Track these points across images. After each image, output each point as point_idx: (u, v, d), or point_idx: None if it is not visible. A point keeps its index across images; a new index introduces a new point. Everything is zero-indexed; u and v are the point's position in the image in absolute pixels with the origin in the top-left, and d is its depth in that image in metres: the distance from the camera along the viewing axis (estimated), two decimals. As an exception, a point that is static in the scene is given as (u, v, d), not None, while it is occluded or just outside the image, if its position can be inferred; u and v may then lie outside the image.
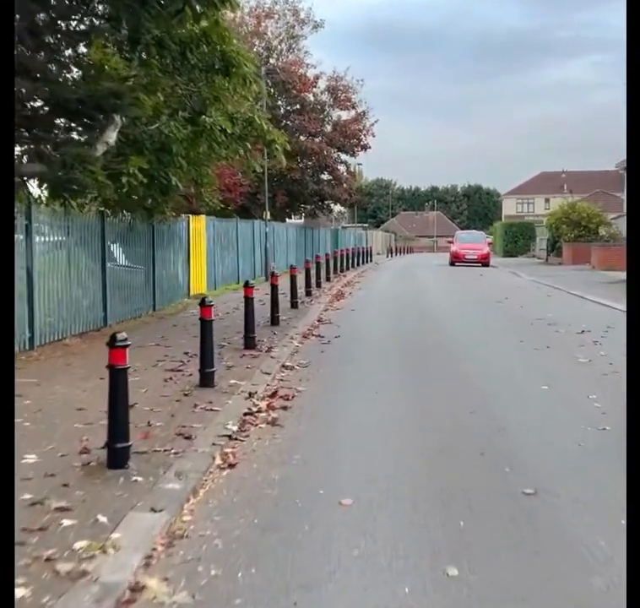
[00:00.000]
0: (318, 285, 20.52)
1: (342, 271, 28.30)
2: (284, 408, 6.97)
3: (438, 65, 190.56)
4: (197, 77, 12.47)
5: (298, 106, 34.03)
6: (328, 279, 23.15)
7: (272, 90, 33.97)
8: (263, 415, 6.73)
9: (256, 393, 7.43)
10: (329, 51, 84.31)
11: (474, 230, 49.43)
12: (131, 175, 10.63)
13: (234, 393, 7.38)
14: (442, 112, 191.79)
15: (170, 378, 8.07)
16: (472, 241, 37.29)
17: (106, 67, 10.30)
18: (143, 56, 11.30)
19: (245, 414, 6.65)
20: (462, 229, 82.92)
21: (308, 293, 17.95)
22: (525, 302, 16.42)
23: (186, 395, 7.29)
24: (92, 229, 11.81)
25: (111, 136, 11.05)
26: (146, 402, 6.97)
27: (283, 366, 9.13)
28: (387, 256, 58.88)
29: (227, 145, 12.45)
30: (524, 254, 51.97)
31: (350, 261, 32.75)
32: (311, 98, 34.34)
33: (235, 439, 5.91)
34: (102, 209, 12.17)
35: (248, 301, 10.23)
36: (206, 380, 7.67)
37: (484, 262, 35.70)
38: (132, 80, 10.54)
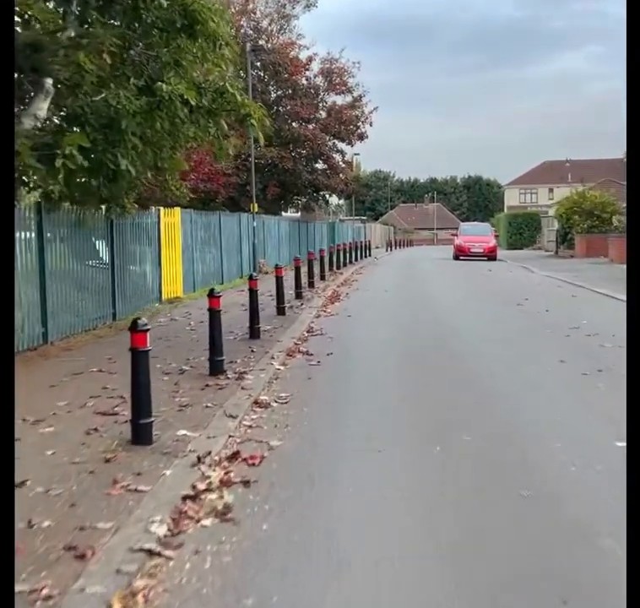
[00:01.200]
0: (311, 284, 18.31)
1: (338, 268, 26.06)
2: (246, 483, 4.78)
3: (434, 57, 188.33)
4: (156, 39, 10.30)
5: (290, 91, 31.73)
6: (322, 278, 20.91)
7: (262, 74, 31.72)
8: (213, 497, 4.54)
9: (209, 453, 5.24)
10: (320, 44, 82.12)
11: (479, 222, 47.20)
12: (68, 156, 8.44)
13: (177, 456, 5.20)
14: (438, 104, 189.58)
15: (96, 429, 5.87)
16: (477, 234, 34.93)
17: (29, 15, 8.06)
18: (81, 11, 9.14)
19: (185, 497, 4.47)
20: (462, 221, 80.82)
21: (298, 295, 15.74)
22: (549, 305, 14.17)
23: (107, 461, 5.10)
24: (26, 224, 9.58)
25: (42, 107, 8.84)
26: (45, 474, 4.80)
27: (256, 402, 6.94)
28: (387, 250, 56.64)
29: (195, 122, 10.24)
30: (530, 246, 49.66)
31: (348, 256, 30.52)
32: (304, 82, 32.03)
33: (158, 554, 3.73)
34: (40, 200, 9.97)
35: (213, 315, 8.00)
36: (140, 435, 5.48)
37: (490, 255, 33.40)
38: (63, 34, 8.34)
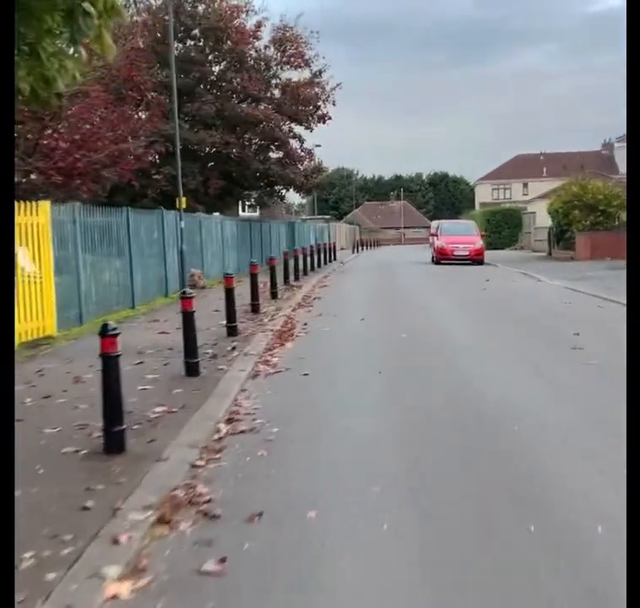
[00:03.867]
0: (255, 309, 13.05)
1: (297, 278, 20.80)
2: None
3: (394, 56, 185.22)
4: None
5: (237, 65, 26.38)
6: (273, 296, 15.64)
7: (201, 44, 26.34)
8: None
9: None
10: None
11: (461, 220, 42.29)
12: None
13: None
14: (400, 103, 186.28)
15: None
16: (461, 234, 29.62)
17: None
18: None
19: None
20: (430, 219, 76.23)
21: (231, 331, 10.47)
22: (617, 345, 9.08)
23: None
24: None
25: None
26: None
27: None
28: (354, 251, 51.50)
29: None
30: (512, 246, 44.92)
31: (310, 262, 25.25)
32: (253, 53, 26.71)
33: None
34: None
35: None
36: None
37: (477, 259, 28.25)
38: None
